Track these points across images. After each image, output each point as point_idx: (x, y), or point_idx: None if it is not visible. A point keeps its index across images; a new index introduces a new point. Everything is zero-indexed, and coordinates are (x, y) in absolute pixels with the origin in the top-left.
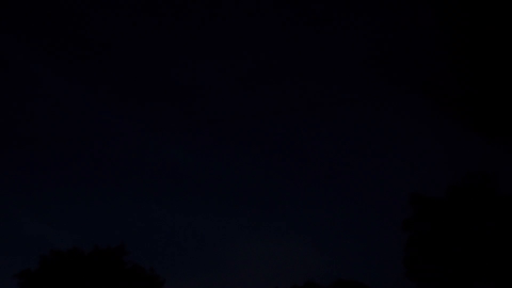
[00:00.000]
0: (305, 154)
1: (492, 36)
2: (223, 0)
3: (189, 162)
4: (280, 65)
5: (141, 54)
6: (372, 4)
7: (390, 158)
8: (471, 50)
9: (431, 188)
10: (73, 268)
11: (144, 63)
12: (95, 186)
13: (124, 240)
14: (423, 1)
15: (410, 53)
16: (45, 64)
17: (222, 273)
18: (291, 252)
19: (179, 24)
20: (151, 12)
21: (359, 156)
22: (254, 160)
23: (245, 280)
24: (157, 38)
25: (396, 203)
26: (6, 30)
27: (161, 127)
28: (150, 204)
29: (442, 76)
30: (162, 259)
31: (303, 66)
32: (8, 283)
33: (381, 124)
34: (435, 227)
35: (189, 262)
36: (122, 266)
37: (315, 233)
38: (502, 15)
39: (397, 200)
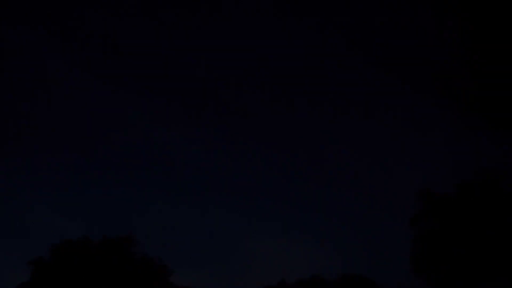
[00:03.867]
0: (312, 150)
1: (500, 34)
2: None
3: (199, 156)
4: (287, 61)
5: (150, 48)
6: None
7: (398, 153)
8: (480, 47)
9: (440, 184)
10: (83, 257)
11: (153, 56)
12: (106, 176)
13: (133, 230)
14: None
15: (418, 50)
16: (56, 56)
17: (229, 266)
18: (297, 247)
19: (189, 18)
20: (159, 7)
21: (366, 151)
22: (262, 155)
23: (252, 274)
24: (165, 31)
25: (404, 199)
26: (18, 21)
27: (172, 120)
28: (160, 196)
29: (451, 73)
30: (170, 251)
31: (310, 63)
32: (20, 269)
33: (389, 120)
34: (443, 224)
35: (197, 255)
36: (131, 256)
37: (322, 228)
38: (510, 15)
39: (405, 195)
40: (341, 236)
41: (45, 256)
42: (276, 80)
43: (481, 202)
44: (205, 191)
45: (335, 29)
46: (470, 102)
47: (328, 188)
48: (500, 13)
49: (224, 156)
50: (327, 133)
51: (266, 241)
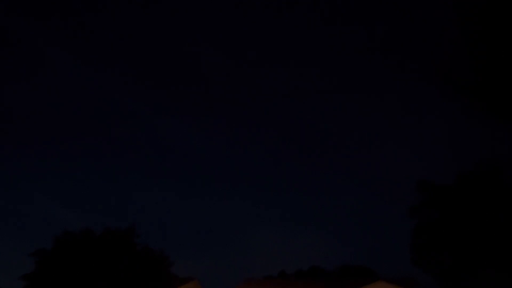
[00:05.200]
0: (314, 142)
1: (502, 21)
2: None
3: (201, 147)
4: (289, 53)
5: (155, 39)
6: None
7: (398, 144)
8: (482, 36)
9: (440, 175)
10: (85, 248)
11: (158, 48)
12: (107, 166)
13: (134, 220)
14: None
15: (418, 41)
16: (61, 47)
17: (230, 257)
18: (297, 237)
19: (193, 11)
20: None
21: (367, 143)
22: (265, 147)
23: (252, 264)
24: (171, 23)
25: (404, 189)
26: (24, 13)
27: (175, 111)
28: (161, 186)
29: (451, 63)
30: (171, 241)
31: (315, 55)
32: (20, 260)
33: (388, 112)
34: (443, 214)
35: (197, 245)
36: (132, 248)
37: (322, 219)
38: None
39: (405, 186)
40: (341, 227)
41: (48, 248)
42: (279, 70)
43: (480, 193)
44: (206, 182)
45: (340, 22)
46: (471, 93)
47: (328, 180)
48: (502, 6)
49: (225, 146)
50: (328, 124)
51: (266, 232)
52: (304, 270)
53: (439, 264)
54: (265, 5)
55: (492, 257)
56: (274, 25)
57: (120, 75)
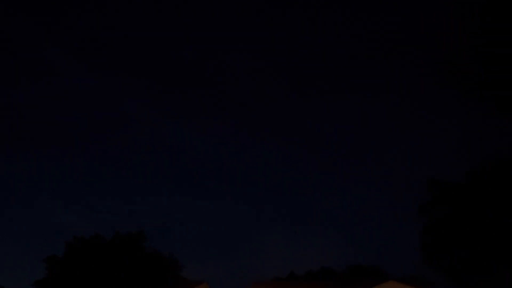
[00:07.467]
0: (322, 143)
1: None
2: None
3: (209, 150)
4: (294, 56)
5: (164, 43)
6: None
7: (408, 143)
8: (490, 33)
9: (450, 173)
10: (95, 253)
11: (166, 52)
12: (116, 172)
13: (144, 226)
14: None
15: (426, 38)
16: (68, 52)
17: (239, 258)
18: (306, 239)
19: (201, 12)
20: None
21: (376, 142)
22: (273, 149)
23: (262, 266)
24: (177, 27)
25: (413, 188)
26: (29, 18)
27: (182, 115)
28: (169, 190)
29: (461, 60)
30: (182, 244)
31: (317, 56)
32: (36, 266)
33: (396, 110)
34: (453, 212)
35: (207, 248)
36: (142, 252)
37: (332, 220)
38: None
39: (414, 185)
40: (350, 227)
41: (57, 253)
42: (284, 73)
43: (490, 190)
44: (214, 184)
45: (345, 21)
46: (480, 90)
47: (337, 180)
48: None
49: (233, 148)
50: (336, 124)
51: (276, 234)
52: (314, 271)
53: (450, 263)
54: (269, 6)
55: (504, 255)
56: (277, 26)
57: (126, 79)
